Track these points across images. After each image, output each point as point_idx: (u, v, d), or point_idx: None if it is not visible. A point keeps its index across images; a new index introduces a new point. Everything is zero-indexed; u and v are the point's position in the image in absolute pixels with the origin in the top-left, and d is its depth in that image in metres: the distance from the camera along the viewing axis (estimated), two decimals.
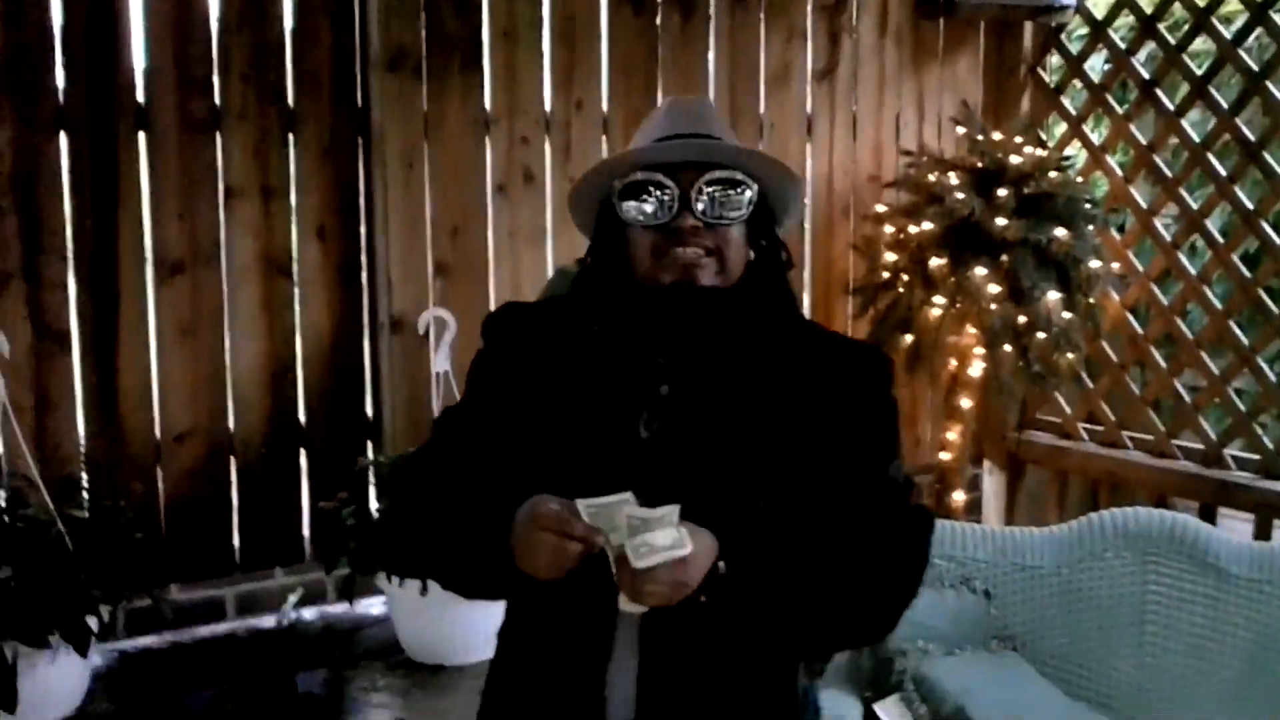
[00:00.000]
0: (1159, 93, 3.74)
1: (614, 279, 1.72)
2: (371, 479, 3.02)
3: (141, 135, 2.92)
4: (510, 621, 1.81)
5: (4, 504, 2.47)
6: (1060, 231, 3.51)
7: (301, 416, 3.16)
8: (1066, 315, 3.54)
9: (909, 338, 3.71)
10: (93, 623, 2.41)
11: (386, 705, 2.52)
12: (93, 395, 2.92)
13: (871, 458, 1.74)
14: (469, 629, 2.87)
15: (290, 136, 3.09)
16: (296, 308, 3.13)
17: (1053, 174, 3.60)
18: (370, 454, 3.21)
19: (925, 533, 1.80)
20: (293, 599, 2.99)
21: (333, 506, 2.91)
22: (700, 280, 1.67)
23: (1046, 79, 4.05)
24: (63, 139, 2.83)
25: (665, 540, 1.51)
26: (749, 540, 1.62)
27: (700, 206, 1.66)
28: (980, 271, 3.49)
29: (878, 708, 2.95)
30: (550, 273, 3.34)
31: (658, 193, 1.66)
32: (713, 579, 1.57)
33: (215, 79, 2.98)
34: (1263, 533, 3.53)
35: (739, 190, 1.68)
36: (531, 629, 1.76)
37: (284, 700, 2.46)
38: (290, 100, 3.08)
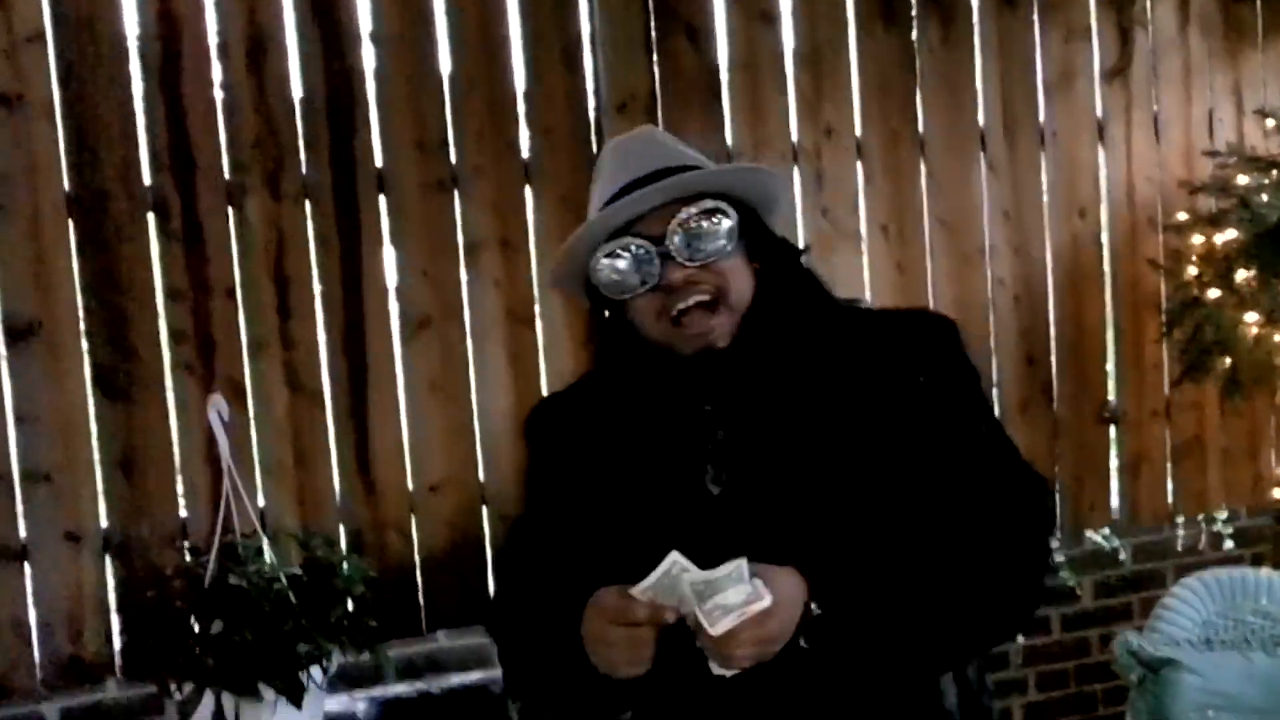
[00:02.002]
0: None
1: (630, 347, 1.61)
2: None
3: (382, 199, 3.02)
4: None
5: (241, 561, 2.58)
6: None
7: None
8: None
9: (1227, 360, 3.29)
10: (314, 674, 2.48)
11: None
12: (349, 451, 3.04)
13: (956, 428, 1.55)
14: None
15: (527, 189, 3.12)
16: (541, 358, 3.14)
17: None
18: None
19: (1036, 495, 1.59)
20: None
21: None
22: (717, 343, 1.54)
23: None
24: (307, 207, 2.97)
25: (738, 598, 1.39)
26: (840, 570, 1.47)
27: (681, 254, 1.52)
28: None
29: None
30: None
31: (633, 255, 1.53)
32: (809, 621, 1.44)
33: (450, 139, 3.05)
34: None
35: (714, 218, 1.53)
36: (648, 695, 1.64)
37: None
38: (526, 153, 3.11)
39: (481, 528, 3.14)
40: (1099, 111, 3.52)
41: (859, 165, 3.34)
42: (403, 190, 3.03)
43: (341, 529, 3.02)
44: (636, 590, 1.43)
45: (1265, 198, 3.09)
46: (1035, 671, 3.68)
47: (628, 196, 1.54)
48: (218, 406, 2.59)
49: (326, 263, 3.00)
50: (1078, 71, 3.49)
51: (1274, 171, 3.22)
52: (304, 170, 2.96)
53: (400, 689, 2.97)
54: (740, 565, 1.41)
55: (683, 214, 1.52)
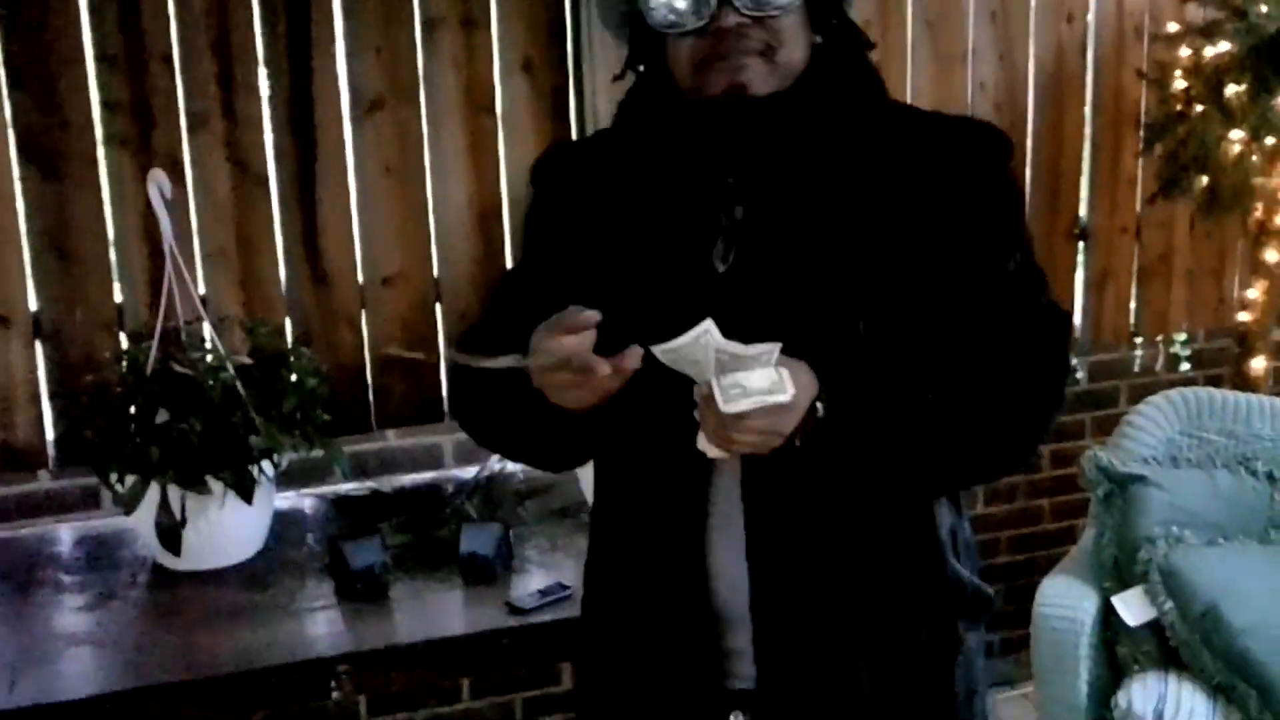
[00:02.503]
0: None
1: (659, 97, 1.49)
2: None
3: None
4: (598, 490, 1.64)
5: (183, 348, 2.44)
6: None
7: (509, 260, 3.02)
8: None
9: (1205, 179, 3.20)
10: (264, 468, 2.37)
11: (554, 568, 2.38)
12: (296, 239, 2.87)
13: (987, 253, 1.47)
14: None
15: None
16: (501, 146, 2.97)
17: None
18: None
19: (1059, 335, 1.52)
20: None
21: None
22: (751, 87, 1.42)
23: None
24: None
25: (762, 382, 1.30)
26: (850, 374, 1.39)
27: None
28: None
29: (1116, 601, 2.61)
30: None
31: None
32: (810, 423, 1.36)
33: None
34: None
35: None
36: (616, 492, 1.60)
37: (441, 558, 2.36)
38: None
39: (435, 325, 3.00)
40: None
41: None
42: None
43: (288, 322, 2.88)
44: (659, 350, 1.34)
45: (1265, 8, 2.95)
46: (984, 486, 3.67)
47: None
48: (158, 181, 2.39)
49: (272, 33, 2.77)
50: None
51: None
52: None
53: (350, 487, 2.87)
54: (773, 350, 1.32)
55: None
